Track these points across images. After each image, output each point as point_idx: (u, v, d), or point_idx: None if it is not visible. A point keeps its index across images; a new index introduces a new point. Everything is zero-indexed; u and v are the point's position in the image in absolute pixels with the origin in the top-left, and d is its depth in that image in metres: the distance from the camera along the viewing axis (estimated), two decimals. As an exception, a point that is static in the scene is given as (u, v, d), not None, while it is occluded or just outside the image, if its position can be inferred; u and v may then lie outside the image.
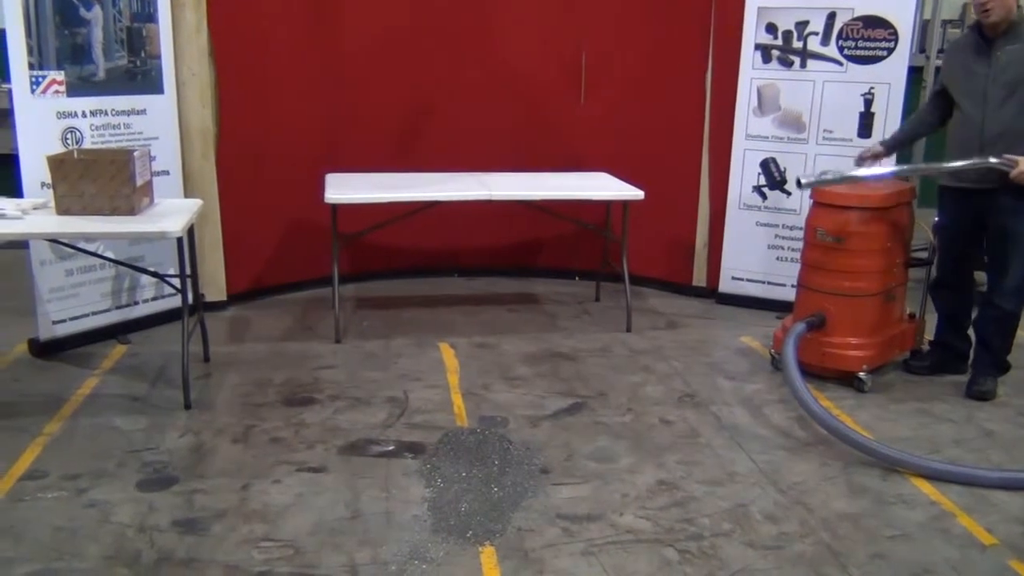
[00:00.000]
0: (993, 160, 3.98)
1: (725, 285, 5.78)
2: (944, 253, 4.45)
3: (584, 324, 5.39)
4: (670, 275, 6.04)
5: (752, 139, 5.55)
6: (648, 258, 5.94)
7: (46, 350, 4.61)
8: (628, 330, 5.23)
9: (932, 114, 4.45)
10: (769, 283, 5.63)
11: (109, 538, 3.00)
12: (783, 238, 5.55)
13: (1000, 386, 4.35)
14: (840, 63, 5.28)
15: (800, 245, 4.76)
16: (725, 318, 5.54)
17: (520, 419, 4.00)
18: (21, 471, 3.43)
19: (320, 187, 4.97)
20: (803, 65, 5.36)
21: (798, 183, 4.43)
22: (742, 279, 5.72)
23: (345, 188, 4.97)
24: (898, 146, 4.69)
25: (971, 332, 4.48)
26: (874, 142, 4.74)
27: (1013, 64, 3.98)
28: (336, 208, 4.86)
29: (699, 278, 5.94)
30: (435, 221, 5.58)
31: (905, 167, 4.39)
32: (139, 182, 4.03)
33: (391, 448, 3.71)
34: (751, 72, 5.48)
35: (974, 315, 4.43)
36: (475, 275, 6.31)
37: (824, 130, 5.37)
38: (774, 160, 5.52)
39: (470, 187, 5.11)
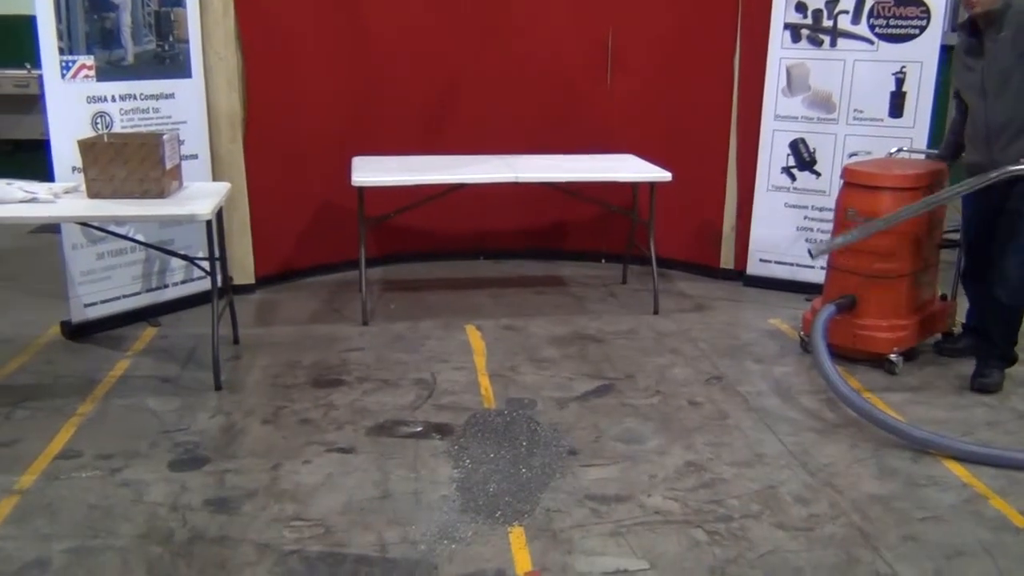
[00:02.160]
0: (1013, 168, 3.89)
1: (753, 267, 5.74)
2: (970, 244, 4.37)
3: (611, 306, 5.38)
4: (697, 257, 6.01)
5: (781, 120, 5.49)
6: (675, 240, 5.91)
7: (78, 332, 4.67)
8: (655, 312, 5.21)
9: (963, 123, 4.31)
10: (798, 265, 5.58)
11: (142, 517, 3.04)
12: (812, 219, 5.50)
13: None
14: (871, 42, 5.21)
15: (830, 226, 4.72)
16: (753, 300, 5.50)
17: (548, 401, 4.00)
18: (56, 451, 3.48)
19: (347, 170, 4.99)
20: (833, 44, 5.29)
21: (810, 254, 4.44)
22: (770, 261, 5.68)
23: (372, 171, 4.97)
24: (955, 154, 4.45)
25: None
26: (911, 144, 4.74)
27: (1001, 53, 3.93)
28: (363, 191, 4.87)
29: (727, 260, 5.90)
30: (461, 204, 5.58)
31: (920, 203, 4.10)
32: (168, 165, 4.06)
33: (419, 429, 3.72)
34: (780, 52, 5.42)
35: None
36: (502, 258, 6.31)
37: (854, 110, 5.31)
38: (803, 141, 5.47)
39: (497, 169, 5.10)
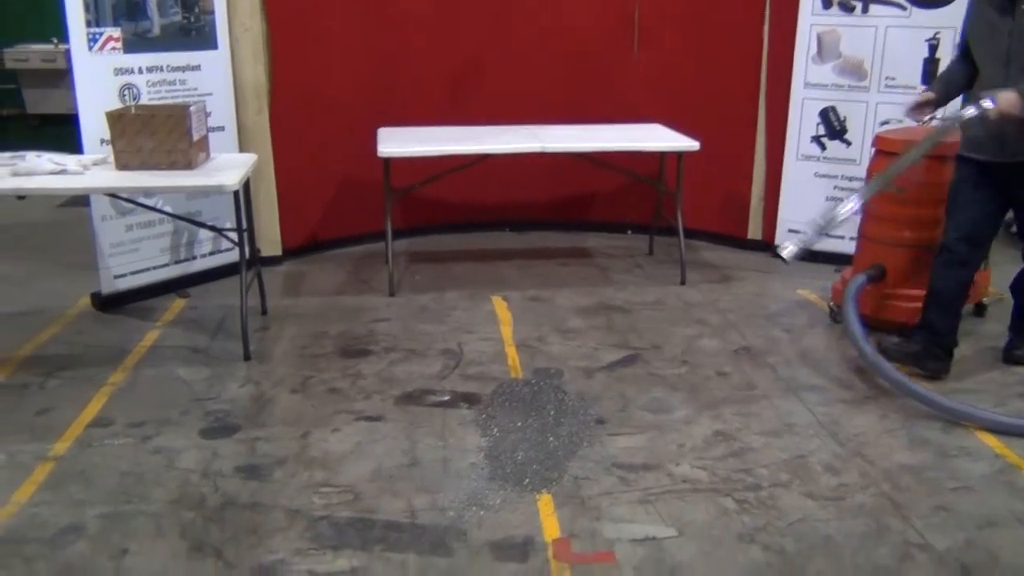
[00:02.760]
0: (969, 111, 3.53)
1: (781, 238, 5.66)
2: (961, 233, 3.83)
3: (637, 278, 5.36)
4: (725, 228, 5.96)
5: (811, 88, 5.41)
6: (702, 211, 5.87)
7: (108, 304, 4.72)
8: (682, 283, 5.18)
9: (962, 75, 3.84)
10: (827, 235, 5.49)
11: (174, 483, 3.08)
12: (842, 189, 5.43)
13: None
14: (904, 7, 5.11)
15: (860, 196, 4.65)
16: (781, 271, 5.43)
17: (574, 371, 3.99)
18: (89, 419, 3.53)
19: (372, 141, 4.98)
20: (865, 10, 5.20)
21: (782, 256, 3.84)
22: (799, 231, 5.58)
23: (397, 142, 4.96)
24: (944, 100, 3.96)
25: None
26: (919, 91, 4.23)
27: None
28: (389, 162, 4.87)
29: (754, 231, 5.85)
30: (487, 175, 5.57)
31: (890, 170, 3.77)
32: (195, 137, 4.07)
33: (447, 398, 3.73)
34: (811, 18, 5.33)
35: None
36: (527, 229, 6.29)
37: (886, 77, 5.22)
38: (834, 109, 5.39)
39: (523, 139, 5.07)
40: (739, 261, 5.66)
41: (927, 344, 3.90)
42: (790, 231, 5.61)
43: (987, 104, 3.46)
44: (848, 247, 4.89)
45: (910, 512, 2.94)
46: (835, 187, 5.46)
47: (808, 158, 5.50)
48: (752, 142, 5.72)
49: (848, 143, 5.38)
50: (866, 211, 4.42)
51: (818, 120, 5.44)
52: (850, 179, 5.36)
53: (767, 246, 5.74)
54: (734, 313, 4.74)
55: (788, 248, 3.76)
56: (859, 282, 4.20)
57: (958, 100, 4.00)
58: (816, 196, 5.50)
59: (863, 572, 2.64)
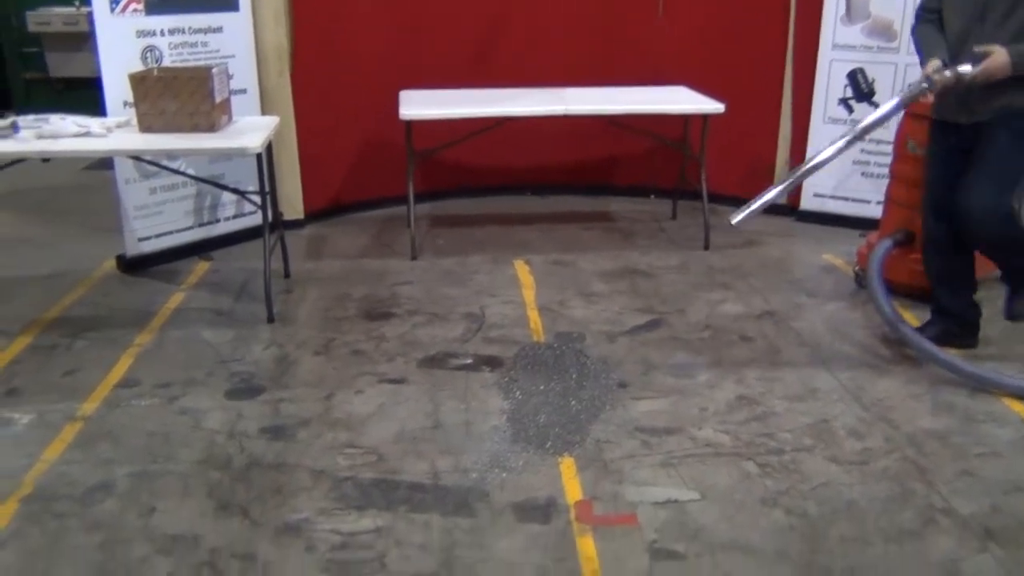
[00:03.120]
0: (950, 71, 3.34)
1: (807, 202, 5.62)
2: (930, 206, 3.74)
3: (661, 242, 5.33)
4: (750, 192, 5.73)
5: (839, 49, 5.32)
6: (727, 175, 5.80)
7: (133, 266, 4.75)
8: (706, 248, 5.15)
9: (939, 31, 3.57)
10: (853, 200, 5.46)
11: (201, 443, 3.12)
12: (869, 153, 5.35)
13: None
14: (936, -35, 4.98)
15: (888, 160, 4.59)
16: (806, 236, 5.40)
17: (597, 335, 3.99)
18: (116, 379, 3.57)
19: (394, 104, 4.95)
20: (896, -31, 5.09)
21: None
22: (824, 196, 5.56)
23: (419, 104, 4.93)
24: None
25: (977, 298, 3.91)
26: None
27: None
28: (410, 125, 4.85)
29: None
30: (510, 138, 5.53)
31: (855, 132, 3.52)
32: (218, 99, 4.06)
33: (469, 361, 3.74)
34: (840, -23, 5.23)
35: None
36: (550, 193, 6.26)
37: (917, 38, 5.11)
38: (862, 71, 5.30)
39: (546, 102, 5.03)
40: (764, 226, 5.58)
41: (947, 326, 3.81)
42: (815, 195, 5.57)
43: (966, 68, 3.33)
44: (875, 211, 4.83)
45: (935, 477, 2.93)
46: (862, 150, 5.38)
47: (835, 121, 5.42)
48: (778, 105, 5.64)
49: (876, 105, 5.28)
50: (893, 174, 4.37)
51: (846, 82, 5.35)
52: (877, 142, 5.28)
53: (792, 210, 5.69)
54: (758, 278, 4.71)
55: (737, 215, 3.55)
56: (885, 247, 4.15)
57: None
58: (843, 160, 5.41)
59: (886, 536, 2.64)
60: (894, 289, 4.29)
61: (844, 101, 5.38)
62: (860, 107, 5.34)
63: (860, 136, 3.60)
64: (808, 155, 5.52)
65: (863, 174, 5.39)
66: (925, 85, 3.45)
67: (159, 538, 2.62)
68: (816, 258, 5.02)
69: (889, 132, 4.90)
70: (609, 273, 4.77)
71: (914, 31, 3.73)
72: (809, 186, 5.57)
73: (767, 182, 5.75)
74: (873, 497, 2.82)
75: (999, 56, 3.27)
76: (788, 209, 5.72)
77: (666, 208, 5.87)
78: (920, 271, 4.22)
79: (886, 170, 4.53)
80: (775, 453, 3.06)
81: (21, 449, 3.07)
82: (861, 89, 5.32)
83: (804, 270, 4.85)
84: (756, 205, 3.53)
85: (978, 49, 3.33)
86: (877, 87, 5.26)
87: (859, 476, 2.93)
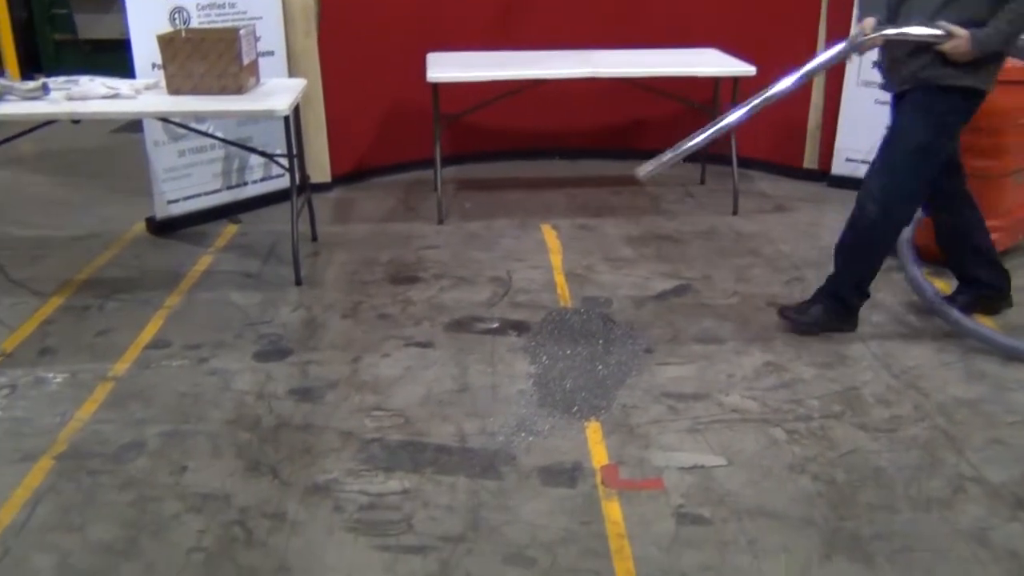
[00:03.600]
0: (924, 31, 3.11)
1: (838, 167, 5.54)
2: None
3: (688, 207, 5.28)
4: (779, 157, 5.83)
5: (874, 10, 5.20)
6: (757, 139, 5.73)
7: (162, 229, 4.79)
8: (734, 213, 5.10)
9: None
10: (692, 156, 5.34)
11: (230, 404, 3.15)
12: (903, 117, 5.25)
13: None
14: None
15: (923, 123, 4.50)
16: (838, 201, 5.31)
17: (624, 300, 3.97)
18: (146, 340, 3.61)
19: (421, 67, 4.91)
20: (935, -73, 4.94)
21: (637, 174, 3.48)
22: (857, 160, 5.46)
23: (447, 67, 4.89)
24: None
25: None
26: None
27: None
28: (438, 88, 4.81)
29: (810, 160, 5.71)
30: (537, 101, 5.48)
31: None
32: (246, 61, 4.05)
33: (496, 326, 3.75)
34: (877, -64, 5.09)
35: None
36: (577, 157, 6.21)
37: (955, -1, 4.98)
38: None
39: (573, 64, 4.97)
40: (794, 191, 5.54)
41: (977, 292, 3.71)
42: (848, 160, 5.49)
43: (942, 34, 3.12)
44: (908, 177, 4.75)
45: (964, 445, 2.90)
46: (896, 114, 5.28)
47: (868, 84, 5.31)
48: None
49: (912, 68, 5.18)
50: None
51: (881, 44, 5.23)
52: (912, 106, 5.17)
53: (823, 175, 5.61)
54: (787, 244, 4.66)
55: (645, 167, 3.38)
56: (918, 215, 4.08)
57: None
58: (876, 123, 5.29)
59: (914, 504, 2.62)
60: (927, 257, 4.24)
61: (878, 63, 5.25)
62: (895, 70, 5.22)
63: (793, 86, 3.46)
64: (840, 119, 5.45)
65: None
66: (857, 43, 3.25)
67: (190, 496, 2.66)
68: (847, 224, 4.96)
69: (924, 96, 4.81)
70: (636, 238, 4.74)
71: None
72: (841, 150, 5.49)
73: (799, 147, 5.71)
74: (902, 465, 2.80)
75: (962, 43, 3.08)
76: (819, 174, 5.65)
77: (694, 172, 5.80)
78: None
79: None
80: (803, 420, 3.05)
81: (55, 408, 3.12)
82: (896, 51, 5.19)
83: (834, 237, 4.69)
84: (668, 157, 3.32)
85: (944, 24, 3.11)
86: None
87: (887, 444, 2.91)
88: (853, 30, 3.30)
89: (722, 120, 3.49)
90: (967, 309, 3.65)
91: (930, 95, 3.26)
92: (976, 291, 3.74)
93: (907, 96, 3.33)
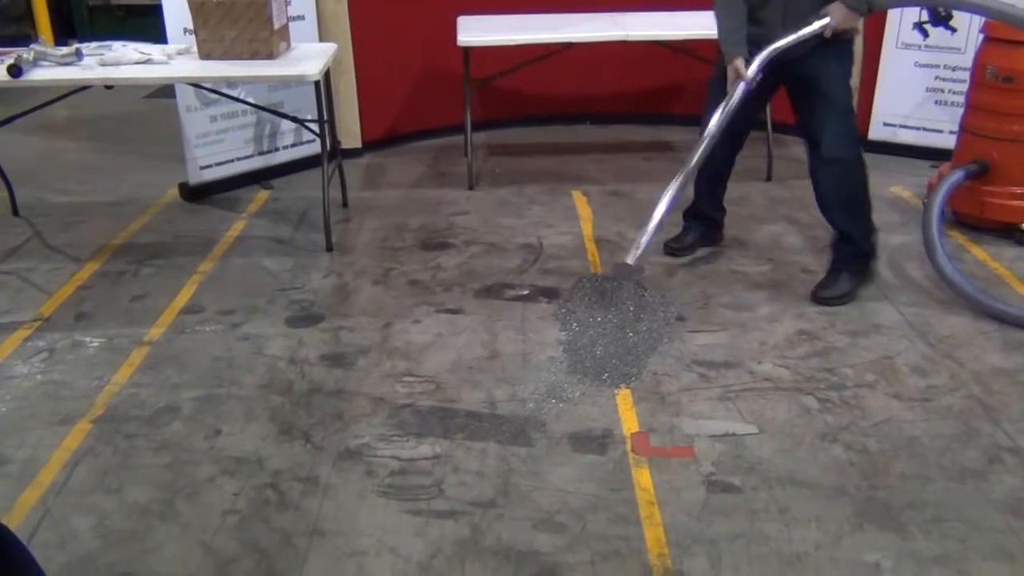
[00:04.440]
0: (807, 30, 3.34)
1: (876, 132, 5.44)
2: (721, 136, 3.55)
3: (722, 172, 5.21)
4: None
5: (915, -30, 5.07)
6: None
7: (195, 194, 4.82)
8: (768, 179, 5.03)
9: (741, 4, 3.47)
10: (925, 129, 5.27)
11: (263, 369, 3.18)
12: (944, 80, 5.14)
13: None
14: None
15: (963, 87, 4.41)
16: (874, 167, 5.08)
17: (655, 266, 3.95)
18: (181, 305, 3.65)
19: (452, 30, 4.87)
20: None
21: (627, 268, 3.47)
22: (895, 125, 5.37)
23: (477, 31, 4.85)
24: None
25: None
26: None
27: None
28: (468, 51, 4.77)
29: (847, 124, 5.60)
30: (568, 65, 5.42)
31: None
32: (276, 25, 4.04)
33: (526, 292, 3.74)
34: None
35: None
36: (608, 122, 6.14)
37: (1000, -43, 4.84)
38: (939, -7, 5.05)
39: (604, 27, 4.91)
40: (829, 156, 5.44)
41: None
42: (886, 124, 5.38)
43: (823, 23, 3.34)
44: (948, 141, 4.65)
45: (1001, 416, 2.86)
46: (936, 77, 5.17)
47: (908, 46, 5.20)
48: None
49: (953, 30, 5.06)
50: (969, 102, 4.18)
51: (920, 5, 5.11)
52: (953, 69, 5.06)
53: (860, 140, 5.49)
54: (822, 210, 4.59)
55: (632, 255, 3.44)
56: (955, 178, 4.00)
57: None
58: (916, 87, 5.23)
59: (949, 473, 2.60)
60: (965, 222, 4.17)
61: (919, 25, 5.15)
62: (936, 31, 5.11)
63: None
64: (879, 82, 5.33)
65: (936, 102, 5.18)
66: (752, 77, 3.41)
67: (224, 459, 2.70)
68: (883, 190, 4.86)
69: (966, 57, 4.71)
70: (668, 204, 4.69)
71: (720, 21, 3.52)
72: (878, 114, 5.39)
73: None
74: (936, 434, 2.77)
75: (839, 16, 3.30)
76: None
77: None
78: (997, 204, 4.09)
79: (961, 97, 4.35)
80: (836, 388, 3.02)
81: (92, 372, 3.17)
82: (938, 12, 5.07)
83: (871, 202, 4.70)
84: (645, 239, 3.44)
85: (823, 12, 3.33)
86: (954, 11, 5.00)
87: (922, 413, 2.88)
88: (733, 73, 3.44)
89: (671, 189, 3.57)
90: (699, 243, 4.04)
91: (838, 48, 3.45)
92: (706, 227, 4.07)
93: (819, 53, 3.43)
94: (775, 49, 3.38)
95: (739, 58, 3.42)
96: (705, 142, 3.52)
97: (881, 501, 2.50)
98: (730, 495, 2.53)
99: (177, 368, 3.20)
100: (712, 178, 3.99)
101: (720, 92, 3.55)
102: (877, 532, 2.38)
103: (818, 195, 3.67)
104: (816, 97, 3.49)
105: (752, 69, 3.41)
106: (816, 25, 3.34)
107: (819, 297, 3.62)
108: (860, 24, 3.42)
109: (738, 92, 3.44)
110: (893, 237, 4.23)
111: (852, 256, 3.66)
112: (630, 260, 3.45)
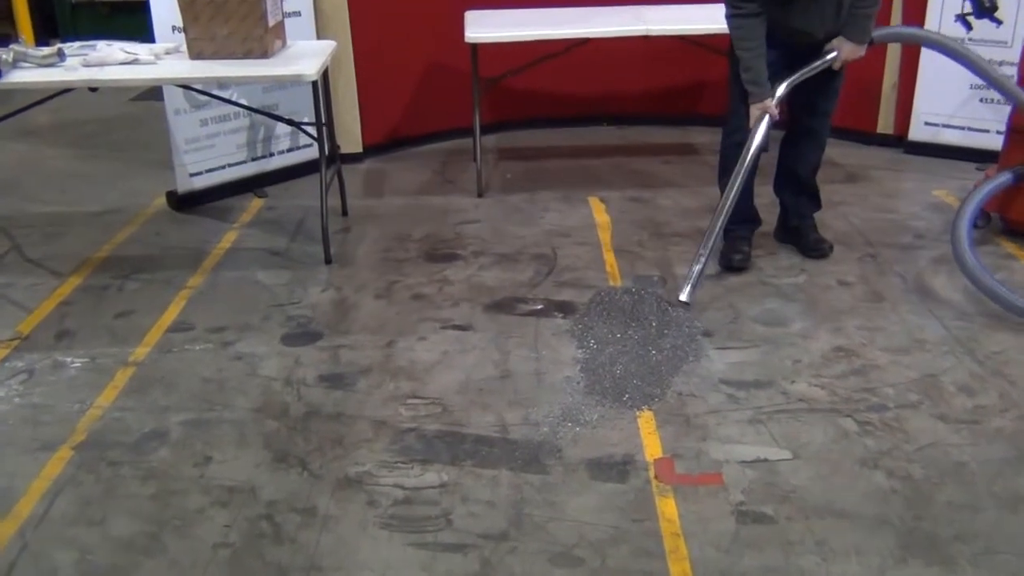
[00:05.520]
0: (818, 63, 3.78)
1: (916, 132, 5.43)
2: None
3: (750, 177, 5.20)
4: (851, 121, 5.67)
5: (958, -43, 5.08)
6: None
7: (184, 203, 4.84)
8: (800, 183, 5.02)
9: (762, 33, 3.68)
10: (969, 129, 5.26)
11: (257, 391, 3.18)
12: (990, 75, 5.11)
13: None
14: None
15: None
16: (915, 170, 5.23)
17: (679, 278, 3.93)
18: (168, 323, 3.66)
19: (459, 26, 4.89)
20: None
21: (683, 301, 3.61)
22: (937, 124, 5.36)
23: (486, 26, 4.87)
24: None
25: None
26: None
27: None
28: (476, 48, 4.79)
29: (885, 124, 5.61)
30: (584, 63, 5.44)
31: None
32: (271, 22, 4.06)
33: (540, 307, 3.74)
34: None
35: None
36: (627, 123, 6.16)
37: (1049, -56, 4.85)
38: (984, -18, 5.06)
39: (624, 22, 4.92)
40: (866, 158, 5.44)
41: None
42: (927, 124, 5.37)
43: (832, 56, 3.79)
44: (994, 142, 4.63)
45: (1057, 439, 2.84)
46: (982, 73, 5.14)
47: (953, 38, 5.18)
48: (887, 20, 5.40)
49: (999, 23, 5.05)
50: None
51: (965, -5, 5.12)
52: (999, 64, 5.04)
53: (899, 141, 5.50)
54: (859, 217, 4.59)
55: (684, 291, 3.60)
56: (1002, 181, 3.98)
57: None
58: (958, 83, 5.21)
59: (1000, 502, 2.57)
60: (1014, 229, 4.15)
61: (962, 17, 5.14)
62: (980, 24, 5.09)
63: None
64: (919, 78, 5.32)
65: (981, 100, 5.17)
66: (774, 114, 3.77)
67: (215, 489, 2.69)
68: (925, 195, 4.86)
69: (1013, 51, 4.70)
70: (692, 211, 4.69)
71: (740, 29, 3.73)
72: (919, 113, 5.38)
73: (872, 109, 5.61)
74: (985, 459, 2.75)
75: (848, 50, 3.76)
76: (895, 140, 5.55)
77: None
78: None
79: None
80: (876, 410, 3.00)
81: (74, 395, 3.18)
82: (982, 4, 5.07)
83: (912, 208, 4.70)
84: (696, 272, 3.62)
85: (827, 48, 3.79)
86: (1000, 1, 4.99)
87: (970, 436, 2.86)
88: (760, 113, 3.75)
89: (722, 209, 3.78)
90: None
91: None
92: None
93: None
94: (791, 84, 3.76)
95: (769, 98, 3.72)
96: (733, 194, 3.78)
97: (926, 532, 2.47)
98: (762, 526, 2.50)
99: (164, 390, 3.20)
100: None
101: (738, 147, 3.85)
102: (922, 566, 2.36)
103: (802, 160, 4.13)
104: (833, 72, 3.86)
105: (770, 106, 3.73)
106: (827, 58, 3.77)
107: (821, 249, 4.10)
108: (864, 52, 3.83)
109: (762, 129, 3.74)
110: (936, 245, 4.21)
111: (817, 208, 4.24)
112: (685, 297, 3.56)
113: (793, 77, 3.76)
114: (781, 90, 3.75)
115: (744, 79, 3.74)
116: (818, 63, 3.77)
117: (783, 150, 4.21)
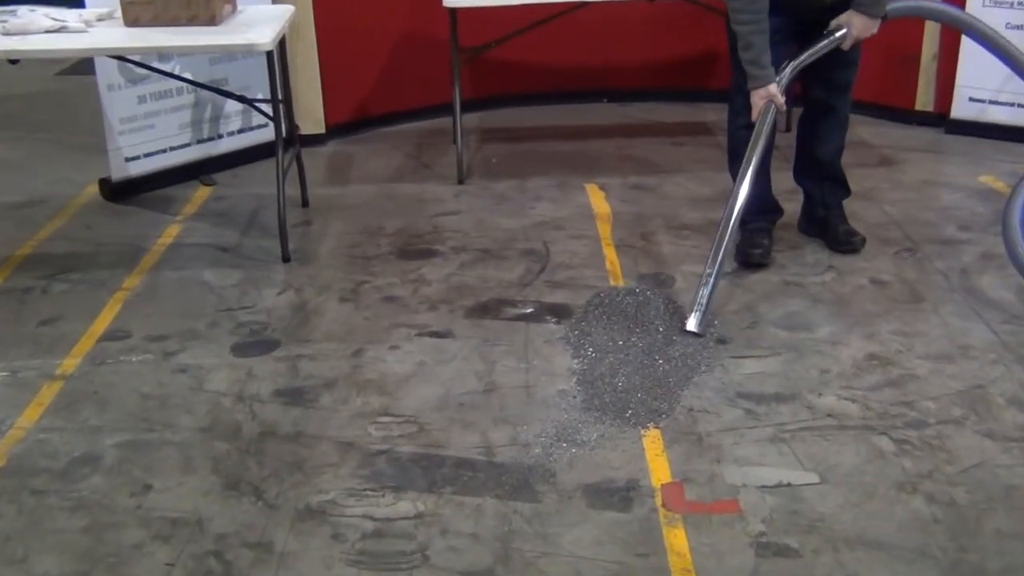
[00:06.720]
0: (824, 43, 3.79)
1: (960, 110, 5.48)
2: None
3: (770, 161, 5.24)
4: (885, 97, 5.77)
5: (1006, -91, 5.12)
6: (859, 74, 5.63)
7: (120, 192, 4.84)
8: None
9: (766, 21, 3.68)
10: (1020, 105, 5.29)
11: (204, 408, 3.18)
12: (1043, 45, 5.16)
13: None
14: None
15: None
16: (958, 152, 5.27)
17: (689, 277, 3.95)
18: (101, 330, 3.66)
19: (436, -12, 4.90)
20: None
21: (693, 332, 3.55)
22: (983, 101, 5.41)
23: (467, -12, 4.88)
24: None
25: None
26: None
27: None
28: (456, 14, 4.79)
29: (924, 101, 5.68)
30: (579, 30, 5.47)
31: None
32: (219, -16, 4.07)
33: (530, 310, 3.75)
34: None
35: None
36: (630, 100, 6.20)
37: None
38: (1036, -62, 5.10)
39: (625, -16, 4.94)
40: (904, 139, 5.49)
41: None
42: (972, 100, 5.40)
43: (841, 34, 3.77)
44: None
45: (1121, 459, 2.86)
46: (1033, 42, 5.18)
47: (999, 4, 5.24)
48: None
49: (1054, -17, 5.09)
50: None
51: (1015, -48, 5.16)
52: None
53: (940, 120, 5.54)
54: (895, 205, 4.63)
55: (692, 320, 3.51)
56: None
57: None
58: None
59: (1057, 532, 2.59)
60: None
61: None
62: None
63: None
64: (962, 50, 5.36)
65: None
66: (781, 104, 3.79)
67: (155, 521, 2.68)
68: (970, 180, 4.91)
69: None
70: (705, 200, 4.73)
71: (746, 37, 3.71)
72: (962, 88, 5.42)
73: (910, 84, 5.64)
74: (1040, 483, 2.77)
75: (860, 25, 3.72)
76: (935, 118, 5.59)
77: (778, 118, 5.74)
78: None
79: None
80: (915, 426, 3.02)
81: (-9, 413, 3.17)
82: (1034, -38, 5.11)
83: (955, 196, 4.74)
84: (705, 296, 3.53)
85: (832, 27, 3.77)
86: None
87: (1022, 456, 2.88)
88: (763, 100, 3.74)
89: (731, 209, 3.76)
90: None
91: None
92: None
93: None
94: (796, 66, 3.78)
95: (773, 83, 3.71)
96: (742, 193, 3.75)
97: (972, 565, 2.48)
98: (786, 560, 2.51)
99: (97, 408, 3.19)
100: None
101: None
102: (969, 605, 2.38)
103: (822, 142, 4.16)
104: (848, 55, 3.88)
105: (774, 90, 3.72)
106: (836, 36, 3.75)
107: (851, 243, 4.12)
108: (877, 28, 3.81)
109: (769, 118, 3.75)
110: (983, 238, 4.24)
111: (845, 195, 4.27)
112: (694, 326, 3.49)
113: (799, 59, 3.78)
114: (787, 74, 3.75)
115: (743, 59, 3.70)
116: (824, 43, 3.77)
117: (801, 130, 4.24)
